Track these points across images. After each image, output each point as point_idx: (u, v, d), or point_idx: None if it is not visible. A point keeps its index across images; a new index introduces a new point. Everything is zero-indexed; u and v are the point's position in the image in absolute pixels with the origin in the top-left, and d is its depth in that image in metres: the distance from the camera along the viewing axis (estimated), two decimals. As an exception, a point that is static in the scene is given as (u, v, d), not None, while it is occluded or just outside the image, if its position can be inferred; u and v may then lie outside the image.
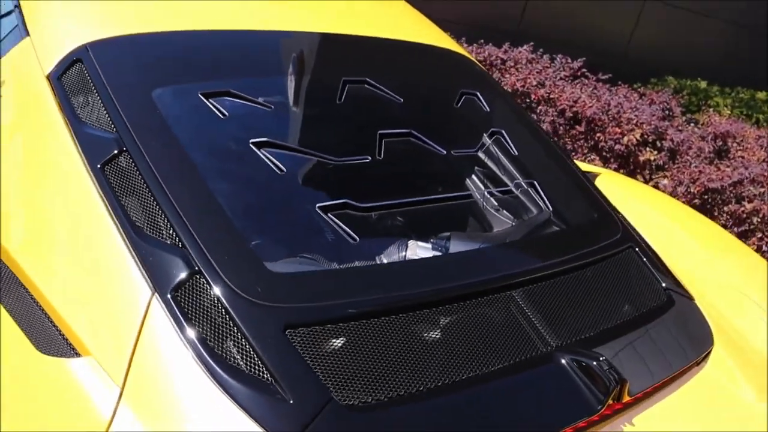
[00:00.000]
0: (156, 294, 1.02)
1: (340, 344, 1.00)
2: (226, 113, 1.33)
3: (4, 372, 0.98)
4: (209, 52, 1.50)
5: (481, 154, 1.55)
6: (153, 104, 1.29)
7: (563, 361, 1.09)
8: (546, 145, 1.70)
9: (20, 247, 1.20)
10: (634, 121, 3.84)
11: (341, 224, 1.19)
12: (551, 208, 1.48)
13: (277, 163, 1.26)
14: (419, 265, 1.21)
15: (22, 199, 1.27)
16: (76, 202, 1.17)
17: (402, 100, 1.56)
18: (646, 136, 3.81)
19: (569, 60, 4.49)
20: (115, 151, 1.20)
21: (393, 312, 1.05)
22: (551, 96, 4.00)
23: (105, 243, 1.10)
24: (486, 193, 1.45)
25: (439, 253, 1.25)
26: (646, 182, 3.80)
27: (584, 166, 2.41)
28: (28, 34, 1.48)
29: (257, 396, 0.92)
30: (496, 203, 1.46)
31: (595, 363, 1.07)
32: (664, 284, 1.41)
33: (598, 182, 2.05)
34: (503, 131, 1.63)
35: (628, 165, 3.85)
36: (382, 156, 1.39)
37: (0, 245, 1.21)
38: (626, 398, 1.08)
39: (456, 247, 1.27)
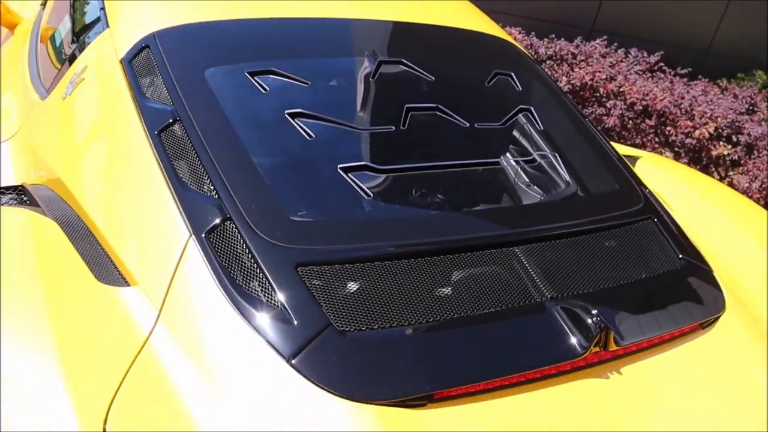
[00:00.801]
0: (192, 236, 1.19)
1: (342, 281, 1.13)
2: (267, 88, 1.49)
3: (66, 296, 1.18)
4: (258, 37, 1.68)
5: (506, 128, 1.63)
6: (205, 81, 1.47)
7: (554, 309, 1.16)
8: (578, 123, 1.75)
9: (89, 195, 1.42)
10: (708, 115, 3.72)
11: (358, 182, 1.32)
12: (572, 179, 1.55)
13: (308, 130, 1.41)
14: (428, 219, 1.32)
15: (96, 156, 1.50)
16: (136, 161, 1.37)
17: (433, 78, 1.67)
18: (720, 130, 3.68)
19: (645, 54, 4.40)
20: (170, 120, 1.39)
21: (393, 257, 1.17)
22: (621, 89, 3.95)
23: (156, 194, 1.29)
24: (506, 162, 1.53)
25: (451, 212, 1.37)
26: (721, 179, 3.68)
27: (627, 149, 2.42)
28: (108, 27, 1.72)
29: (268, 319, 1.07)
30: (515, 172, 1.54)
31: (582, 311, 1.14)
32: (680, 254, 1.44)
33: (639, 164, 2.08)
34: (532, 108, 1.70)
35: (701, 160, 3.75)
36: (405, 126, 1.50)
37: (73, 194, 1.44)
38: (613, 347, 1.14)
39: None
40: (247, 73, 1.52)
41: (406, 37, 1.85)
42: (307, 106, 1.46)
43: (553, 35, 4.53)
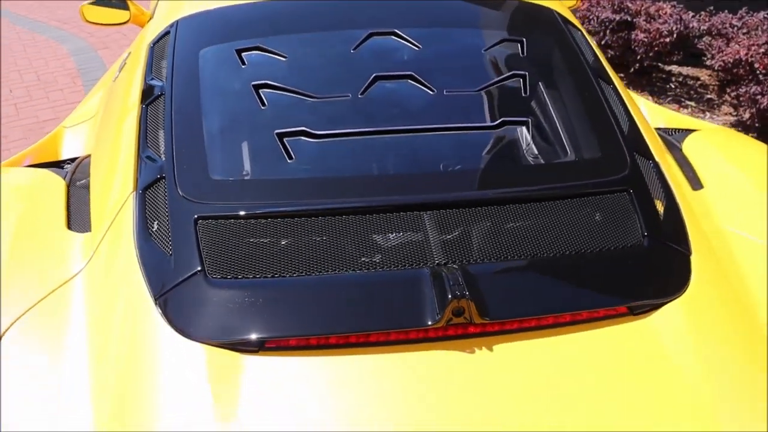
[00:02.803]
0: (134, 192, 1.36)
1: (231, 235, 1.20)
2: (247, 63, 1.61)
3: (33, 236, 1.40)
4: (263, 17, 1.80)
5: (478, 94, 1.55)
6: (195, 59, 1.64)
7: (425, 275, 1.10)
8: (587, 91, 1.59)
9: (95, 159, 1.67)
10: None
11: (286, 146, 1.38)
12: (542, 146, 1.42)
13: (265, 100, 1.50)
14: (347, 182, 1.32)
15: (108, 128, 1.74)
16: (126, 130, 1.58)
17: (421, 47, 1.65)
18: None
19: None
20: (158, 94, 1.58)
21: (288, 216, 1.20)
22: (783, 64, 3.36)
23: (127, 157, 1.48)
24: (460, 127, 1.45)
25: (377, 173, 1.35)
26: None
27: (688, 121, 2.11)
28: (152, 18, 1.97)
29: (155, 263, 1.19)
30: (468, 138, 1.45)
31: (449, 280, 1.06)
32: (645, 232, 1.25)
33: (697, 137, 1.81)
34: (527, 74, 1.59)
35: None
36: (363, 95, 1.51)
37: (91, 160, 1.70)
38: (478, 319, 1.05)
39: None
40: (236, 50, 1.65)
41: (418, 7, 1.83)
42: (277, 78, 1.54)
43: (711, 7, 3.99)
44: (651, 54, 4.20)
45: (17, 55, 5.50)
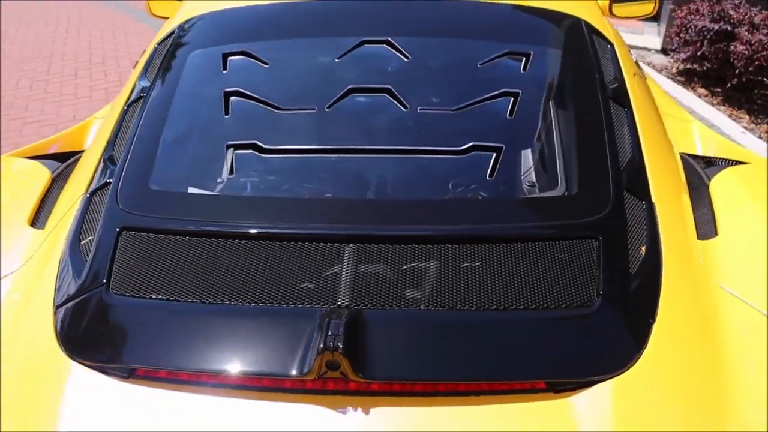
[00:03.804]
0: (84, 195, 1.35)
1: (147, 249, 1.15)
2: (228, 68, 1.56)
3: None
4: (261, 22, 1.75)
5: (455, 114, 1.40)
6: (183, 62, 1.62)
7: (316, 320, 0.98)
8: (590, 115, 1.40)
9: (84, 156, 1.69)
10: None
11: (231, 158, 1.31)
12: (508, 178, 1.27)
13: (231, 108, 1.44)
14: (280, 204, 1.23)
15: (102, 126, 1.75)
16: (107, 128, 1.58)
17: (410, 59, 1.53)
18: None
19: None
20: (140, 95, 1.58)
21: (208, 236, 1.13)
22: None
23: (94, 157, 1.48)
24: (420, 151, 1.32)
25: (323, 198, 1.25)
26: None
27: (745, 153, 1.82)
28: (168, 18, 1.98)
29: (73, 268, 1.17)
30: (426, 164, 1.31)
31: (333, 329, 0.93)
32: (601, 291, 1.06)
33: (727, 174, 1.56)
34: (520, 93, 1.43)
35: None
36: (330, 108, 1.42)
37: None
38: (353, 376, 0.92)
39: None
40: (223, 54, 1.61)
41: (428, 14, 1.71)
42: (252, 86, 1.49)
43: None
44: (751, 68, 3.76)
45: (119, 41, 5.86)
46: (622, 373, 0.98)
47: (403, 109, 1.41)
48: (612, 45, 1.75)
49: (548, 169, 1.31)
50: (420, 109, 1.41)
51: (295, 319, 1.00)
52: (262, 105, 1.45)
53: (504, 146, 1.32)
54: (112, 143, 1.48)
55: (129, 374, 1.00)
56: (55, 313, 1.10)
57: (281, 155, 1.34)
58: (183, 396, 0.97)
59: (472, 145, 1.32)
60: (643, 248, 1.18)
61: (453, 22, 1.69)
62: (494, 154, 1.31)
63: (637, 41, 5.28)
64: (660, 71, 4.74)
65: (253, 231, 1.13)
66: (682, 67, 4.67)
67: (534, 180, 1.29)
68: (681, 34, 4.32)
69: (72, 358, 1.03)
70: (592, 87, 1.50)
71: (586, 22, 1.74)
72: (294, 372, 0.93)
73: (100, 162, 1.44)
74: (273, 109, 1.43)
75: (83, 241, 1.23)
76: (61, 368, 1.02)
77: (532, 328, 1.01)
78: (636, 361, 1.00)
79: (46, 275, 1.22)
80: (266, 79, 1.53)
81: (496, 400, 0.95)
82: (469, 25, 1.68)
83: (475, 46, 1.59)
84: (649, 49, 5.17)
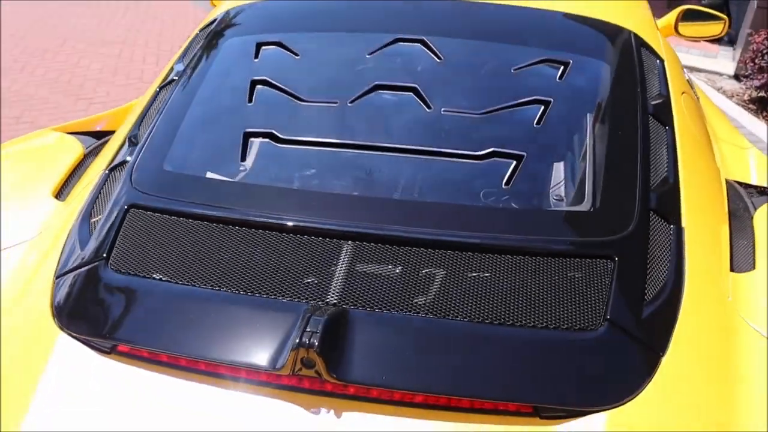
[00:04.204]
0: (105, 170, 1.38)
1: (150, 227, 1.15)
2: (260, 57, 1.56)
3: (18, 201, 1.46)
4: (300, 14, 1.74)
5: (479, 118, 1.35)
6: (218, 49, 1.63)
7: (299, 315, 0.95)
8: (620, 130, 1.32)
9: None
10: None
11: (246, 146, 1.31)
12: (523, 188, 1.21)
13: (255, 97, 1.44)
14: (288, 195, 1.21)
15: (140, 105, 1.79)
16: (139, 108, 1.61)
17: (442, 59, 1.49)
18: None
19: None
20: (172, 78, 1.60)
21: (211, 220, 1.13)
22: None
23: (121, 136, 1.51)
24: (437, 153, 1.27)
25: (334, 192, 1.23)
26: None
27: None
28: (213, 5, 2.01)
29: (79, 240, 1.19)
30: (438, 167, 1.26)
31: (307, 324, 0.91)
32: (608, 315, 0.99)
33: None
34: (551, 101, 1.37)
35: None
36: (352, 103, 1.39)
37: None
38: (326, 376, 0.89)
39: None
40: (257, 43, 1.61)
41: (468, 18, 1.66)
42: (279, 76, 1.48)
43: None
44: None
45: (189, 30, 6.04)
46: (618, 406, 0.91)
47: (427, 110, 1.37)
48: (661, 60, 1.66)
49: (572, 183, 1.25)
50: (444, 111, 1.36)
51: (279, 312, 0.98)
52: (285, 95, 1.43)
53: (525, 155, 1.26)
54: (138, 123, 1.51)
55: (111, 350, 1.00)
56: (54, 283, 1.12)
57: (295, 146, 1.32)
58: (160, 377, 0.96)
59: (492, 151, 1.27)
60: (664, 275, 1.10)
61: (493, 25, 1.64)
62: (514, 162, 1.25)
63: (710, 65, 5.04)
64: (730, 97, 4.51)
65: (251, 219, 1.12)
66: (754, 94, 4.43)
67: (559, 193, 1.23)
68: (756, 60, 4.10)
69: (60, 328, 1.04)
70: (631, 101, 1.42)
71: (635, 35, 1.66)
72: (268, 366, 0.90)
73: (124, 140, 1.46)
74: (296, 100, 1.42)
75: (93, 215, 1.25)
76: (49, 337, 1.03)
77: (525, 348, 0.95)
78: (636, 396, 0.93)
79: (57, 246, 1.24)
80: (295, 70, 1.52)
81: (476, 420, 0.89)
82: (510, 30, 1.62)
83: (512, 51, 1.54)
84: (720, 74, 4.93)
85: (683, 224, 1.20)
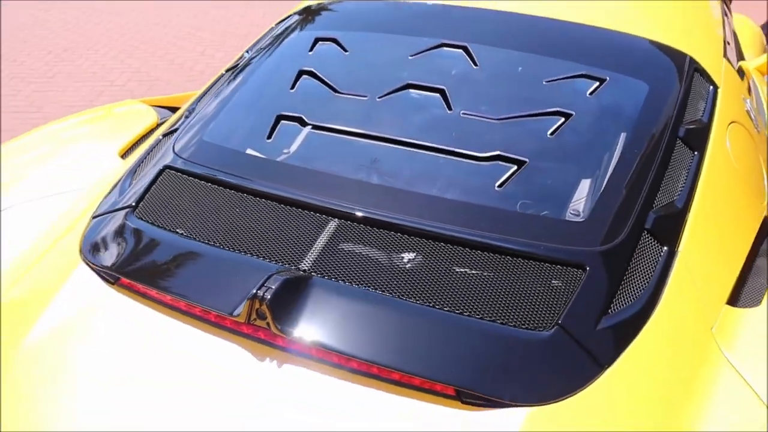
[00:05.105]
0: (159, 136, 1.57)
1: (177, 187, 1.31)
2: (313, 51, 1.69)
3: (89, 156, 1.69)
4: (362, 15, 1.86)
5: (496, 124, 1.38)
6: (284, 40, 1.79)
7: (269, 270, 1.06)
8: (637, 149, 1.32)
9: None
10: None
11: (275, 126, 1.44)
12: (520, 193, 1.24)
13: (298, 85, 1.57)
14: (304, 174, 1.31)
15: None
16: (205, 86, 1.79)
17: (477, 67, 1.55)
18: None
19: None
20: (238, 63, 1.78)
21: (229, 187, 1.27)
22: None
23: (183, 107, 1.69)
24: (445, 152, 1.31)
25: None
26: None
27: None
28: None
29: (119, 190, 1.38)
30: (444, 164, 1.31)
31: (268, 279, 1.02)
32: (559, 320, 1.01)
33: None
34: (573, 114, 1.38)
35: None
36: (380, 99, 1.48)
37: None
38: (274, 329, 0.99)
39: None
40: (315, 38, 1.75)
41: (519, 30, 1.70)
42: (325, 69, 1.60)
43: None
44: None
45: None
46: (541, 405, 0.93)
47: (447, 111, 1.43)
48: (715, 87, 1.61)
49: (569, 193, 1.26)
50: (462, 114, 1.42)
51: (254, 269, 1.09)
52: (324, 86, 1.55)
53: (528, 161, 1.29)
54: (197, 100, 1.69)
55: (115, 281, 1.16)
56: (89, 222, 1.30)
57: (317, 131, 1.43)
58: (147, 311, 1.11)
59: (497, 155, 1.31)
60: (638, 293, 1.09)
61: (540, 39, 1.66)
62: (515, 167, 1.28)
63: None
64: None
65: (256, 189, 1.25)
66: None
67: (553, 201, 1.25)
68: None
69: (82, 258, 1.21)
70: (658, 122, 1.40)
71: (692, 59, 1.62)
72: (227, 311, 1.02)
73: (182, 113, 1.64)
74: (332, 92, 1.53)
75: (138, 172, 1.43)
76: (71, 266, 1.21)
77: (463, 335, 1.00)
78: (562, 401, 0.94)
79: (101, 193, 1.43)
80: (340, 65, 1.63)
81: (402, 393, 0.95)
82: (555, 44, 1.64)
83: (551, 64, 1.56)
84: None
85: (678, 249, 1.18)
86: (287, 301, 1.01)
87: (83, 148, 1.71)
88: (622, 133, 1.36)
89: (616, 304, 1.06)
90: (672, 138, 1.37)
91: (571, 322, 1.01)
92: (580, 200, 1.23)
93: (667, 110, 1.43)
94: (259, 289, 1.00)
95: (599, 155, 1.33)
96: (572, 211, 1.21)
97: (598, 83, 1.48)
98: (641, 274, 1.12)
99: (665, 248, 1.16)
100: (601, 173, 1.27)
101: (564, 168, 1.32)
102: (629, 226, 1.16)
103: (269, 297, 0.98)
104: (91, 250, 1.23)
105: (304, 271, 1.09)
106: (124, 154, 1.70)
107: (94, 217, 1.32)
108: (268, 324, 0.99)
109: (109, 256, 1.20)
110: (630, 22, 1.76)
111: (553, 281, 1.07)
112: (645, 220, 1.19)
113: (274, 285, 1.00)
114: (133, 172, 1.44)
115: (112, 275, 1.17)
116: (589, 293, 1.06)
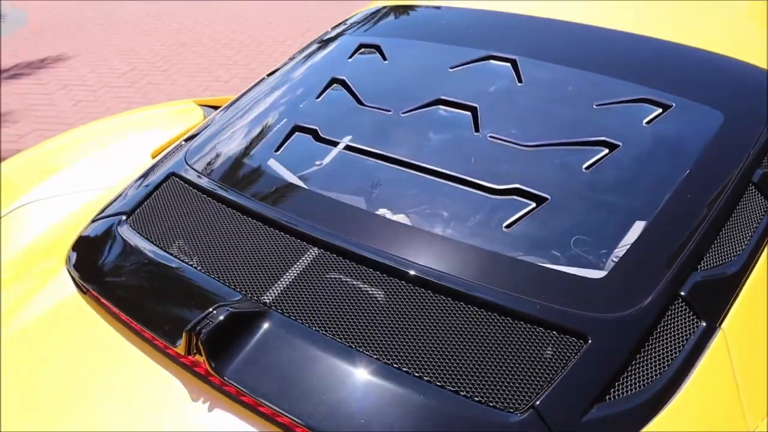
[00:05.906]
0: (181, 139, 1.53)
1: (177, 198, 1.25)
2: (352, 58, 1.58)
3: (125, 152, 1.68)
4: (415, 21, 1.72)
5: (526, 151, 1.19)
6: (328, 46, 1.69)
7: (230, 298, 0.97)
8: (689, 194, 1.08)
9: None
10: None
11: (284, 138, 1.34)
12: (533, 242, 1.06)
13: (325, 94, 1.47)
14: (304, 194, 1.20)
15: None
16: (243, 90, 1.75)
17: (521, 84, 1.36)
18: None
19: None
20: (280, 66, 1.72)
21: (223, 202, 1.19)
22: None
23: (215, 113, 1.66)
24: (459, 180, 1.14)
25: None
26: None
27: None
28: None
29: (127, 192, 1.34)
30: (455, 195, 1.14)
31: (213, 312, 0.93)
32: (538, 404, 0.83)
33: None
34: (620, 145, 1.17)
35: None
36: (405, 115, 1.33)
37: None
38: (207, 365, 0.89)
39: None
40: (359, 44, 1.64)
41: (578, 43, 1.49)
42: (357, 78, 1.49)
43: None
44: None
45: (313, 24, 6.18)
46: None
47: (474, 133, 1.26)
48: None
49: (594, 243, 1.05)
50: (490, 137, 1.24)
51: (211, 298, 1.00)
52: (351, 97, 1.44)
53: (550, 198, 1.09)
54: (232, 103, 1.63)
55: (85, 291, 1.12)
56: (87, 225, 1.28)
57: (323, 144, 1.32)
58: (107, 328, 1.06)
59: (515, 188, 1.12)
60: (653, 375, 0.88)
61: (601, 54, 1.44)
62: (532, 204, 1.09)
63: None
64: None
65: (243, 206, 1.17)
66: None
67: (569, 250, 1.05)
68: None
69: (65, 263, 1.19)
70: (730, 161, 1.15)
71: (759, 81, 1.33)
72: (169, 342, 0.94)
73: (210, 118, 1.60)
74: (357, 103, 1.41)
75: (144, 175, 1.39)
76: (56, 269, 1.19)
77: (419, 406, 0.84)
78: None
79: (108, 194, 1.41)
80: (376, 74, 1.51)
81: None
82: (617, 61, 1.40)
83: (608, 84, 1.33)
84: None
85: (722, 326, 0.94)
86: (229, 337, 0.91)
87: (122, 146, 1.72)
88: (677, 172, 1.13)
89: (618, 390, 0.86)
90: (743, 183, 1.12)
91: (550, 405, 0.82)
92: (603, 251, 1.03)
93: (742, 147, 1.17)
94: (199, 321, 0.91)
95: (640, 197, 1.11)
96: (589, 265, 1.01)
97: (660, 110, 1.25)
98: (663, 353, 0.90)
99: (703, 323, 0.93)
100: (638, 220, 1.05)
101: (593, 210, 1.11)
102: (659, 290, 0.94)
103: (205, 331, 0.89)
104: (74, 255, 1.20)
105: (264, 304, 0.98)
106: (157, 155, 1.69)
107: (93, 221, 1.29)
108: (204, 361, 0.90)
109: (85, 265, 1.16)
110: (708, 38, 1.48)
111: (544, 351, 0.88)
112: (683, 284, 0.96)
113: (215, 319, 0.91)
114: (143, 175, 1.41)
115: (83, 285, 1.13)
116: (584, 371, 0.86)
